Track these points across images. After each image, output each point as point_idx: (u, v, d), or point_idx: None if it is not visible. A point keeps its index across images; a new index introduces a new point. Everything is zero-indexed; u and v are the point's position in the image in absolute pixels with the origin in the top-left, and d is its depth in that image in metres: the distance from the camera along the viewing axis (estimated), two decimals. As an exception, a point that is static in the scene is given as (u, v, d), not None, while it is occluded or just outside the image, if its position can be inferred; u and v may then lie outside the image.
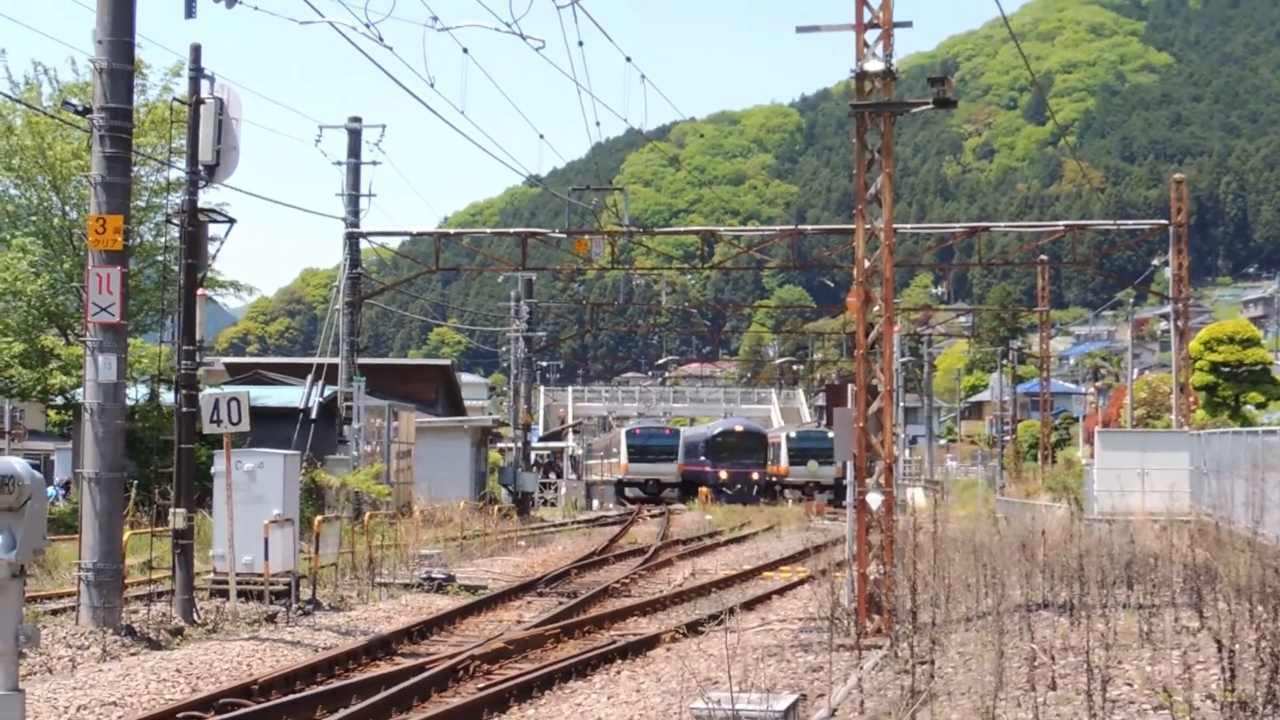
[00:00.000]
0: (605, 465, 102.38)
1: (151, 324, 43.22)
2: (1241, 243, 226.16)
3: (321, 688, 17.43)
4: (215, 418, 24.02)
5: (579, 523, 61.76)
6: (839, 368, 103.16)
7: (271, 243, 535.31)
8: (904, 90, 25.18)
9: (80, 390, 27.85)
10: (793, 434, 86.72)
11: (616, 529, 55.57)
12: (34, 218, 43.41)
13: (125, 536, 22.37)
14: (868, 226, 21.02)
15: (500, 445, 76.73)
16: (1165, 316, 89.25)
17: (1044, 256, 67.11)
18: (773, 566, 35.62)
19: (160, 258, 41.13)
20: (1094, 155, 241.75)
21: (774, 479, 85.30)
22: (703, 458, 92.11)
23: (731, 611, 25.40)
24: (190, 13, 23.29)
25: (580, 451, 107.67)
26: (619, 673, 19.16)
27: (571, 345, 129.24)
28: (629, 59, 34.31)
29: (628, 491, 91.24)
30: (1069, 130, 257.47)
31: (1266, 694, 9.41)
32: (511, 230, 53.94)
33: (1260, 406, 69.90)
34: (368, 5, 38.00)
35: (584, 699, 17.18)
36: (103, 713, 15.80)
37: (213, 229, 25.01)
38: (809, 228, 60.17)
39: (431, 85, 29.84)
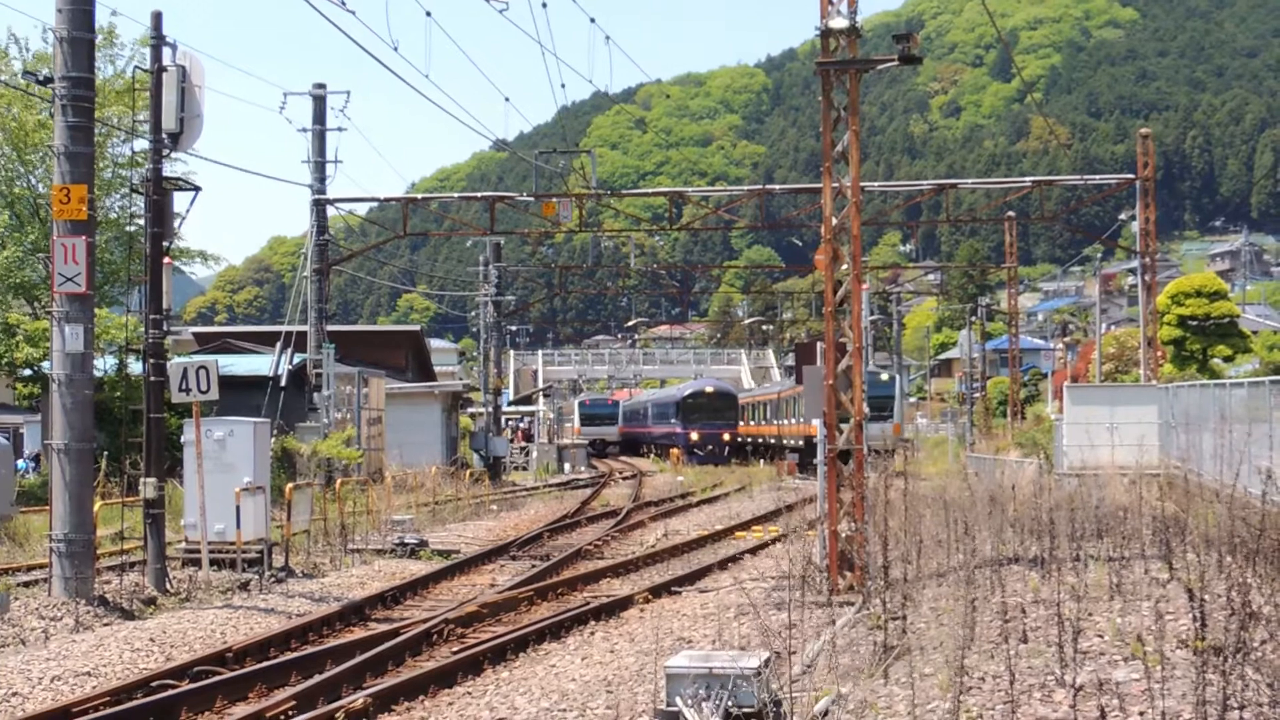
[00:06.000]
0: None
1: (119, 296, 43.06)
2: (1208, 197, 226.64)
3: (296, 654, 17.46)
4: (184, 386, 23.94)
5: (551, 486, 61.84)
6: (808, 327, 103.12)
7: (238, 211, 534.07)
8: (870, 49, 25.17)
9: (47, 362, 27.74)
10: None
11: (589, 492, 55.66)
12: (0, 189, 43.19)
13: (96, 507, 22.31)
14: (835, 185, 21.00)
15: (471, 410, 76.69)
16: (1133, 271, 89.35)
17: (1011, 213, 67.26)
18: (745, 526, 35.72)
19: (129, 227, 40.97)
20: (1060, 111, 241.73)
21: (792, 443, 72.64)
22: (671, 420, 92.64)
23: (704, 571, 25.50)
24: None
25: (553, 416, 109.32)
26: (593, 634, 19.23)
27: (541, 309, 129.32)
28: (593, 20, 34.24)
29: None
30: (1035, 87, 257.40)
31: (1237, 642, 9.47)
32: (479, 195, 53.64)
33: (1228, 359, 70.12)
34: (330, -30, 37.68)
35: (558, 660, 17.22)
36: (77, 683, 15.78)
37: (179, 198, 24.93)
38: (776, 188, 60.14)
39: (395, 49, 29.73)
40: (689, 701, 11.23)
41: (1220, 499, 19.13)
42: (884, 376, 66.65)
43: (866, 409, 21.72)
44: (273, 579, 24.40)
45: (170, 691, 14.89)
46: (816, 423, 22.00)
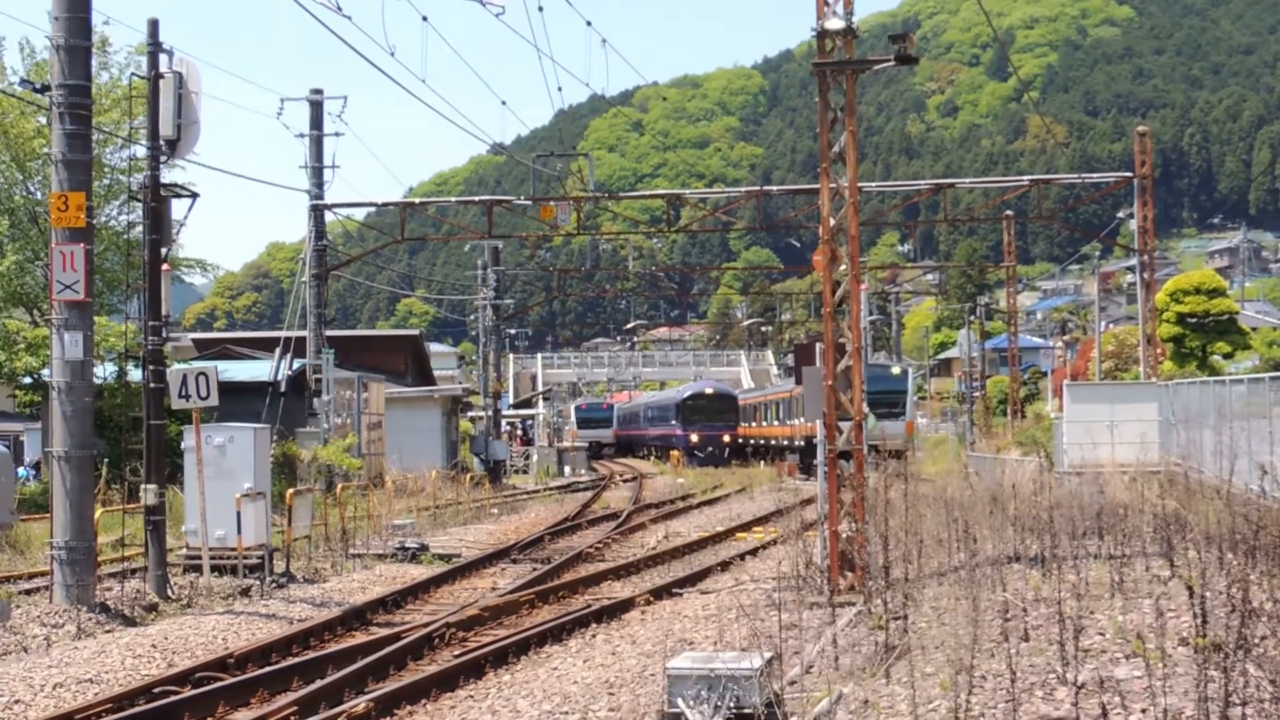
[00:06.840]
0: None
1: (118, 303, 43.04)
2: (1206, 194, 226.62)
3: (297, 659, 17.43)
4: (184, 393, 23.93)
5: (551, 489, 61.80)
6: (807, 328, 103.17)
7: (237, 217, 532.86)
8: (866, 49, 25.17)
9: (47, 370, 27.75)
10: None
11: (589, 495, 55.63)
12: None
13: (97, 514, 22.32)
14: (832, 185, 20.99)
15: (471, 414, 76.69)
16: (1131, 269, 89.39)
17: (1009, 212, 67.15)
18: (746, 527, 35.69)
19: (127, 235, 40.92)
20: (1057, 110, 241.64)
21: (793, 443, 68.78)
22: (671, 422, 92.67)
23: (705, 573, 25.49)
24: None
25: (555, 420, 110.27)
26: (594, 636, 19.22)
27: (540, 312, 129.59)
28: (589, 23, 34.23)
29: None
30: (1032, 86, 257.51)
31: (1238, 639, 9.47)
32: (477, 198, 53.72)
33: (1227, 356, 70.16)
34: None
35: (560, 663, 17.22)
36: (79, 690, 15.78)
37: (177, 205, 24.95)
38: (774, 189, 60.10)
39: (392, 54, 29.73)
40: (691, 703, 11.24)
41: (1221, 495, 19.14)
42: (895, 370, 65.79)
43: (868, 408, 21.74)
44: (274, 584, 24.41)
45: (172, 697, 14.90)
46: (817, 423, 21.99)
